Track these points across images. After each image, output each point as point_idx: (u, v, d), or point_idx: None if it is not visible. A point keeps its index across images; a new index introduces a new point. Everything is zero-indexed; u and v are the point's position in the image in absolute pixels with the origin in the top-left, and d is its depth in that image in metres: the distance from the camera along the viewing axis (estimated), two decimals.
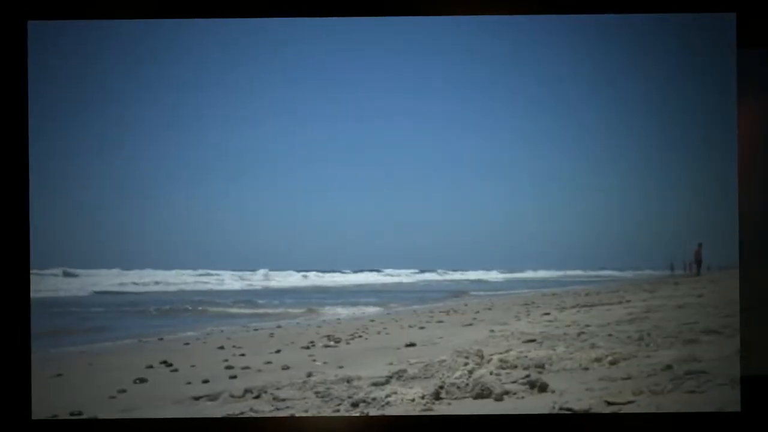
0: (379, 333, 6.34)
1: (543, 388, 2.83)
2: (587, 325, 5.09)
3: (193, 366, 4.13)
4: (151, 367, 4.12)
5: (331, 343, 5.53)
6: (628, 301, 8.08)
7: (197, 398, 3.17)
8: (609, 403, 2.55)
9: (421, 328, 6.73)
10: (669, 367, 2.99)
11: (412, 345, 4.92)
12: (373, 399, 2.83)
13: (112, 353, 5.32)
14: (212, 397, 3.16)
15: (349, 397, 2.92)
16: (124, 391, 3.35)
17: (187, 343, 5.28)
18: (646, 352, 3.34)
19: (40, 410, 2.87)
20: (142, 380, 3.63)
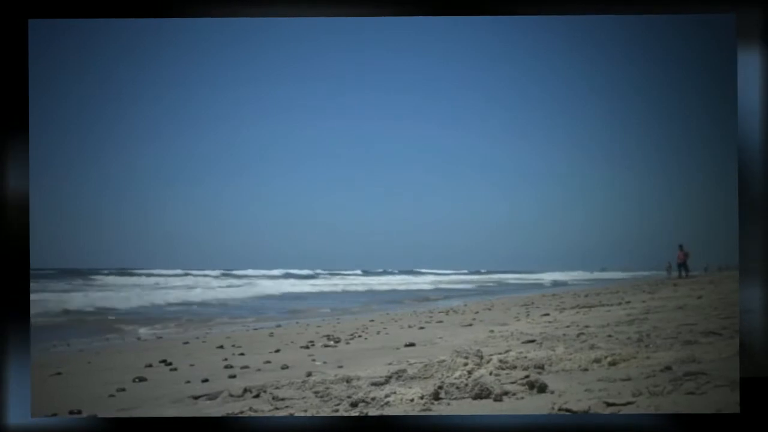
0: (378, 333, 6.34)
1: (542, 388, 2.83)
2: (587, 326, 5.09)
3: (192, 365, 4.13)
4: (150, 366, 4.11)
5: (331, 343, 5.53)
6: (628, 302, 8.11)
7: (196, 397, 3.17)
8: (608, 404, 2.55)
9: (421, 328, 6.74)
10: (668, 368, 2.98)
11: (411, 345, 4.92)
12: (373, 399, 2.83)
13: (112, 351, 5.32)
14: (211, 396, 3.16)
15: (349, 397, 2.91)
16: (123, 389, 3.34)
17: (186, 342, 5.28)
18: (645, 354, 3.34)
19: (39, 408, 2.86)
20: (142, 379, 3.62)
